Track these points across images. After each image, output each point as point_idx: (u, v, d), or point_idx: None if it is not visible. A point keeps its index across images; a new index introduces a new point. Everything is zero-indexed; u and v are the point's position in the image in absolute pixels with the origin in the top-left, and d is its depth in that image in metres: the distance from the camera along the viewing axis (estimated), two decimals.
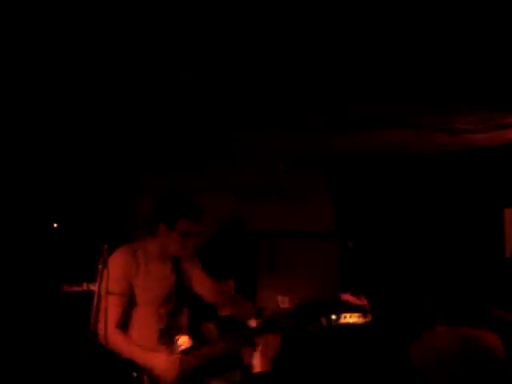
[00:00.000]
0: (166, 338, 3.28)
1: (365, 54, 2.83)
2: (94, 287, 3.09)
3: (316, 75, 3.17)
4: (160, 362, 3.16)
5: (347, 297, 5.26)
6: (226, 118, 4.04)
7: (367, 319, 3.91)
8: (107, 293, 3.15)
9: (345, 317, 3.74)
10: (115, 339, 3.21)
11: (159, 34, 2.60)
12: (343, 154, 5.29)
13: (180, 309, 3.45)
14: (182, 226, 3.33)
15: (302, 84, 3.31)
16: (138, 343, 3.24)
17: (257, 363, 2.79)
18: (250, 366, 2.89)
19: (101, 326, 3.13)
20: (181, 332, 3.37)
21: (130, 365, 3.19)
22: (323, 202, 6.10)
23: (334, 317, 3.66)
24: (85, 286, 4.91)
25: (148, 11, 2.36)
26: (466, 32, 2.56)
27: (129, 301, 3.31)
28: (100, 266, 3.05)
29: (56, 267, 3.36)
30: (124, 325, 3.32)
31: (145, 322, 3.30)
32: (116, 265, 3.27)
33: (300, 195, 5.96)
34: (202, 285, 3.63)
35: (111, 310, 3.16)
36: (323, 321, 3.58)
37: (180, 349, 3.27)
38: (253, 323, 4.32)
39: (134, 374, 3.18)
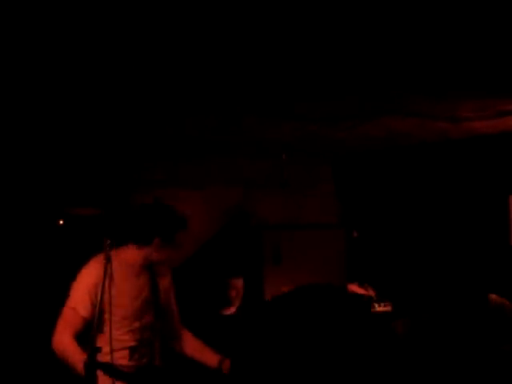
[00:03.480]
0: (137, 354, 3.18)
1: (366, 43, 2.84)
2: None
3: (318, 65, 3.17)
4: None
5: (354, 287, 5.28)
6: (229, 109, 4.05)
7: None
8: (71, 307, 3.16)
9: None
10: (69, 350, 3.11)
11: (161, 25, 2.61)
12: (346, 145, 5.29)
13: (154, 322, 3.30)
14: (178, 239, 3.30)
15: (304, 73, 3.31)
16: (104, 359, 3.07)
17: None
18: None
19: (58, 334, 3.13)
20: (152, 348, 3.27)
21: None
22: (328, 192, 6.10)
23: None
24: None
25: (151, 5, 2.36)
26: (466, 20, 2.56)
27: (92, 318, 3.12)
28: (104, 261, 3.07)
29: (59, 263, 3.37)
30: (82, 337, 3.19)
31: (115, 338, 3.14)
32: (84, 282, 3.21)
33: (305, 186, 5.97)
34: (169, 308, 3.48)
35: (71, 323, 3.13)
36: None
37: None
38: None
39: None
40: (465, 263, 4.74)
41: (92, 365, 2.89)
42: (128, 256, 3.27)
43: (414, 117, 4.21)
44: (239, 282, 5.10)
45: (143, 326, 3.23)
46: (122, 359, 3.15)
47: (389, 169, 5.64)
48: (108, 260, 3.04)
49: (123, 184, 5.55)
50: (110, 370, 3.04)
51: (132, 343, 3.19)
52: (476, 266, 4.26)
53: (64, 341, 3.12)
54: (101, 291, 3.09)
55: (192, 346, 3.51)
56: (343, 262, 5.98)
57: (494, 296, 3.85)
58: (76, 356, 3.05)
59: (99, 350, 2.96)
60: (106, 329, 3.16)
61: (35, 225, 5.15)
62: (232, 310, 5.09)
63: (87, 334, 3.15)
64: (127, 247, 3.29)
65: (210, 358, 3.43)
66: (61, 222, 5.14)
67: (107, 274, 3.02)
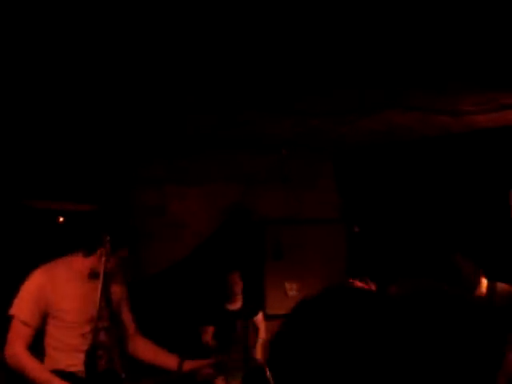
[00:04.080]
0: (91, 358, 3.13)
1: (367, 37, 2.82)
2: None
3: (318, 60, 3.16)
4: None
5: (355, 282, 5.26)
6: (229, 105, 4.03)
7: None
8: (14, 316, 3.15)
9: None
10: (22, 360, 3.10)
11: (162, 22, 2.60)
12: (347, 139, 5.27)
13: (109, 326, 3.26)
14: (122, 253, 3.23)
15: (305, 68, 3.30)
16: (59, 366, 3.12)
17: None
18: None
19: (8, 345, 3.12)
20: (107, 351, 3.24)
21: None
22: (329, 187, 6.08)
23: None
24: None
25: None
26: (467, 13, 2.54)
27: (40, 325, 3.17)
28: (104, 258, 3.06)
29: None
30: (37, 346, 3.21)
31: (67, 342, 3.16)
32: (28, 291, 3.19)
33: (306, 181, 5.95)
34: (121, 315, 3.47)
35: (18, 333, 3.12)
36: None
37: None
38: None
39: None
40: (467, 257, 4.72)
41: (92, 363, 2.90)
42: (75, 263, 3.27)
43: (415, 111, 4.19)
44: (236, 277, 5.12)
45: (96, 330, 3.15)
46: (77, 362, 3.13)
47: (390, 163, 5.62)
48: (107, 257, 3.04)
49: (123, 180, 5.54)
50: (68, 377, 3.06)
51: (85, 347, 3.14)
52: (478, 260, 4.23)
53: (15, 353, 3.12)
54: (46, 296, 3.14)
55: (149, 351, 3.50)
56: (344, 257, 5.97)
57: (500, 284, 3.84)
58: (30, 366, 3.08)
59: (102, 346, 2.97)
60: (56, 333, 3.18)
61: (30, 221, 5.13)
62: (237, 305, 5.11)
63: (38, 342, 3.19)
64: (76, 254, 3.28)
65: (169, 360, 3.42)
66: (61, 220, 5.12)
67: (51, 287, 3.09)
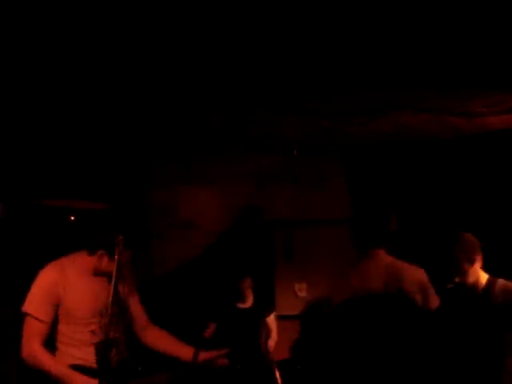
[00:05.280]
0: (103, 352, 3.17)
1: (378, 38, 2.83)
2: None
3: (330, 61, 3.16)
4: None
5: None
6: (241, 105, 4.04)
7: None
8: (27, 314, 3.18)
9: None
10: (40, 357, 3.14)
11: (171, 25, 2.61)
12: (359, 140, 5.27)
13: (117, 321, 3.29)
14: (124, 256, 3.20)
15: (317, 69, 3.30)
16: (71, 361, 3.17)
17: None
18: None
19: (25, 344, 3.16)
20: (118, 345, 3.27)
21: None
22: (340, 188, 6.08)
23: None
24: None
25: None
26: (479, 14, 2.54)
27: (53, 321, 3.21)
28: (116, 257, 3.08)
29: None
30: (52, 341, 3.25)
31: (77, 338, 3.20)
32: (40, 287, 3.22)
33: (316, 182, 5.95)
34: (134, 307, 3.51)
35: (33, 330, 3.15)
36: None
37: None
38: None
39: None
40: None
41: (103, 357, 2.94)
42: (80, 260, 3.30)
43: (425, 112, 4.19)
44: (248, 280, 5.14)
45: (104, 325, 3.18)
46: (88, 357, 3.18)
47: (401, 164, 5.62)
48: (120, 255, 3.06)
49: (137, 180, 5.57)
50: (85, 371, 3.11)
51: (95, 342, 3.19)
52: (488, 261, 4.22)
53: (32, 350, 3.15)
54: (58, 292, 3.18)
55: (165, 341, 3.54)
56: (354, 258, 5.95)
57: (501, 281, 3.81)
58: (47, 362, 3.12)
59: (112, 341, 3.01)
60: (66, 329, 3.21)
61: (43, 218, 5.16)
62: (248, 303, 5.13)
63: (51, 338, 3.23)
64: (82, 251, 3.31)
65: (184, 350, 3.44)
66: (72, 218, 5.15)
67: (62, 283, 3.11)
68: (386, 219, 3.92)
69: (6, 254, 4.88)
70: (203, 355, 3.37)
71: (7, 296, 4.69)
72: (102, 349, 3.15)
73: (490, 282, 3.76)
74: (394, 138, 5.18)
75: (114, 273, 3.04)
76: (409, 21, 2.63)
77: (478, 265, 3.76)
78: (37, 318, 3.16)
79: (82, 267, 3.28)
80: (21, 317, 3.24)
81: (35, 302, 3.19)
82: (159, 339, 3.54)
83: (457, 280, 3.73)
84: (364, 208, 3.90)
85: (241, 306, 5.13)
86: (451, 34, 2.78)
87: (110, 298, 3.05)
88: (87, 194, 5.04)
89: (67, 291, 3.22)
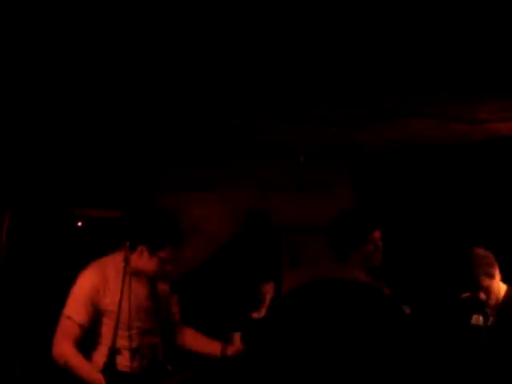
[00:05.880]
0: (138, 358, 3.19)
1: (385, 45, 2.83)
2: None
3: (338, 67, 3.16)
4: None
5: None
6: (246, 111, 4.05)
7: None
8: (67, 316, 3.18)
9: None
10: (72, 359, 3.13)
11: (170, 30, 2.62)
12: (365, 147, 5.27)
13: (155, 326, 3.33)
14: (166, 254, 3.24)
15: (323, 76, 3.30)
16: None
17: None
18: None
19: (57, 344, 3.15)
20: (154, 350, 3.28)
21: None
22: (346, 195, 6.07)
23: None
24: None
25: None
26: (487, 21, 2.54)
27: (92, 323, 3.20)
28: (123, 264, 3.08)
29: (79, 265, 3.39)
30: (90, 343, 3.25)
31: (115, 341, 3.13)
32: (81, 289, 3.22)
33: (322, 189, 5.94)
34: (170, 313, 3.53)
35: (69, 332, 3.15)
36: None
37: None
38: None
39: None
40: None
41: (111, 366, 2.92)
42: (120, 259, 3.23)
43: (432, 119, 4.18)
44: (269, 287, 5.09)
45: (142, 330, 3.23)
46: (123, 361, 3.16)
47: (408, 170, 5.61)
48: (127, 263, 3.06)
49: (146, 186, 5.57)
50: (117, 376, 3.06)
51: (132, 346, 3.20)
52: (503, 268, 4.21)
53: (65, 352, 3.14)
54: (99, 296, 3.18)
55: (193, 340, 3.56)
56: None
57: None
58: (80, 365, 3.12)
59: (118, 351, 2.99)
60: (106, 333, 3.20)
61: (53, 226, 5.17)
62: (261, 313, 5.07)
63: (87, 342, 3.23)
64: (122, 250, 3.25)
65: (212, 347, 3.46)
66: (79, 224, 5.16)
67: (125, 276, 3.04)
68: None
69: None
70: (231, 349, 3.40)
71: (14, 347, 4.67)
72: (135, 354, 3.19)
73: (509, 292, 3.77)
74: (400, 144, 5.17)
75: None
76: (417, 28, 2.63)
77: (497, 278, 3.76)
78: (74, 321, 3.16)
79: (122, 266, 3.19)
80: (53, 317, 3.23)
81: (75, 305, 3.19)
82: (190, 339, 3.58)
83: (482, 297, 3.71)
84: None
85: (255, 316, 5.05)
86: (458, 40, 2.78)
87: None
88: (98, 201, 5.05)
89: (108, 294, 3.22)
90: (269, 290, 5.08)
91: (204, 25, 2.57)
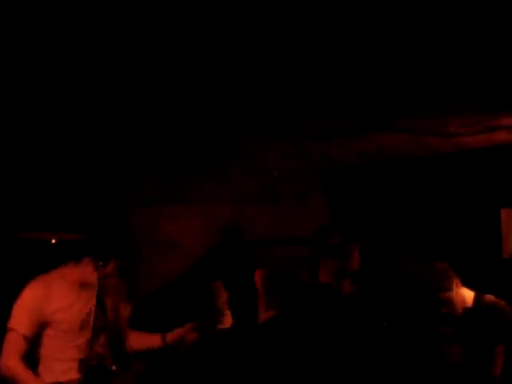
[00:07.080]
0: (87, 368, 3.18)
1: (356, 63, 2.86)
2: None
3: (311, 84, 3.19)
4: None
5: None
6: (222, 127, 4.06)
7: None
8: (11, 328, 3.19)
9: None
10: (17, 372, 3.13)
11: (149, 45, 2.63)
12: (338, 160, 5.32)
13: (101, 337, 3.30)
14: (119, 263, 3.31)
15: (298, 93, 3.33)
16: (53, 376, 3.17)
17: None
18: None
19: (3, 358, 3.16)
20: (103, 361, 3.26)
21: None
22: (320, 207, 6.11)
23: None
24: None
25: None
26: (454, 37, 2.58)
27: (37, 336, 3.21)
28: (98, 282, 3.08)
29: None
30: (32, 357, 3.25)
31: (62, 353, 3.21)
32: (23, 302, 3.24)
33: (296, 201, 5.98)
34: (119, 326, 3.52)
35: (14, 345, 3.16)
36: None
37: None
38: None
39: None
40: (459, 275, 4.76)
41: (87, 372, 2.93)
42: (67, 272, 3.32)
43: (403, 133, 4.24)
44: (219, 287, 5.08)
45: (89, 340, 3.21)
46: (71, 372, 3.17)
47: (381, 183, 5.67)
48: (101, 281, 3.07)
49: (116, 202, 5.53)
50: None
51: (80, 357, 3.19)
52: (469, 278, 4.27)
53: (11, 365, 3.15)
54: (42, 307, 3.19)
55: (137, 340, 3.59)
56: None
57: (488, 297, 3.84)
58: (24, 377, 3.12)
59: (94, 356, 3.01)
60: (51, 345, 3.21)
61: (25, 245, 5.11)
62: (226, 324, 5.07)
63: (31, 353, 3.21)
64: (69, 263, 3.34)
65: (153, 339, 3.52)
66: (53, 241, 5.11)
67: (46, 297, 3.13)
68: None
69: None
70: (171, 336, 3.43)
71: None
72: (85, 364, 3.15)
73: (477, 300, 3.81)
74: (373, 157, 5.23)
75: (97, 285, 3.04)
76: (388, 45, 2.66)
77: (457, 288, 3.80)
78: (20, 334, 3.16)
79: (68, 279, 3.28)
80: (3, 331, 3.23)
81: (19, 318, 3.19)
82: (133, 341, 3.59)
83: (444, 311, 3.76)
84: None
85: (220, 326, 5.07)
86: (426, 57, 2.83)
87: (96, 312, 3.11)
88: (63, 224, 4.99)
89: (52, 305, 3.22)
90: (220, 291, 5.05)
91: (183, 41, 2.57)
